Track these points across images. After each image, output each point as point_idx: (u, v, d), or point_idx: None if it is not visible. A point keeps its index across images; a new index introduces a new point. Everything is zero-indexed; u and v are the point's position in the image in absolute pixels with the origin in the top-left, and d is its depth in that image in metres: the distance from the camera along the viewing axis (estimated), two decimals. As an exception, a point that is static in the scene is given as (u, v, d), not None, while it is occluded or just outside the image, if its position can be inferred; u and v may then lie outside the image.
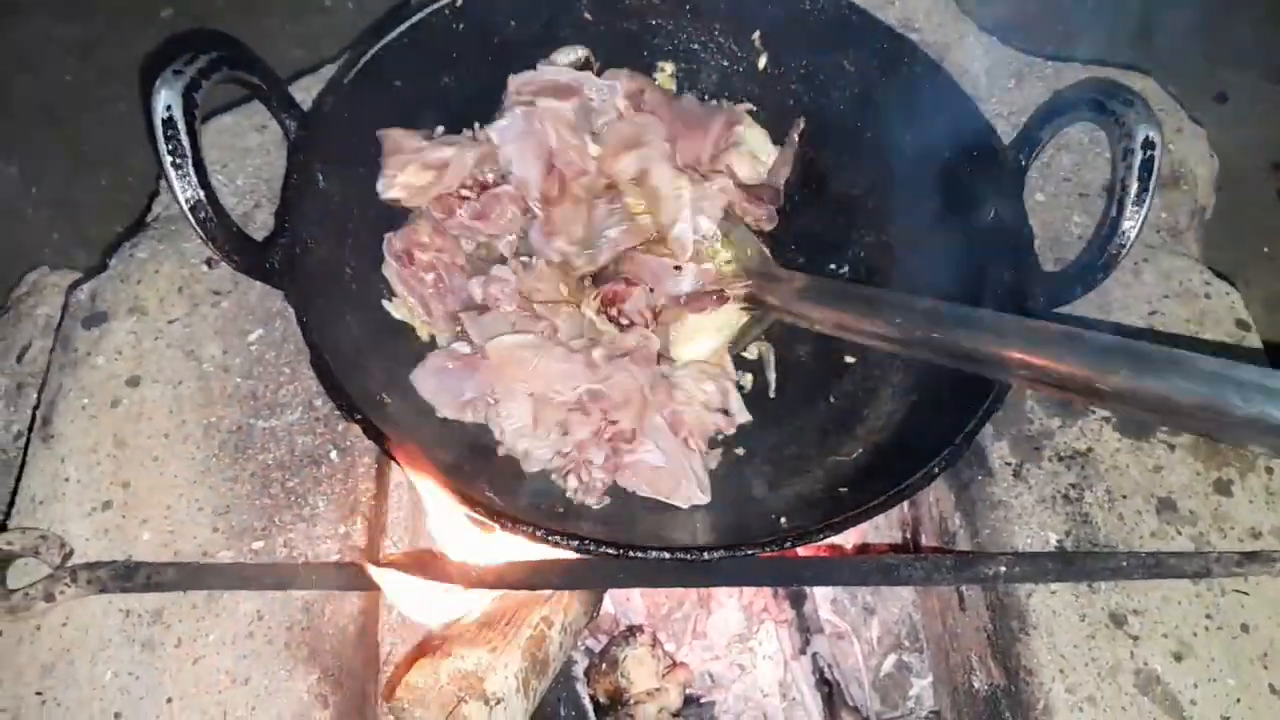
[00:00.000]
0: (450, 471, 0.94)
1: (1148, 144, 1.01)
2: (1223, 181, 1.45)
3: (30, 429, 1.13)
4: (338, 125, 1.12)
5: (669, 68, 1.36)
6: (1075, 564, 1.03)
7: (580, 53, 1.31)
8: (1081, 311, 1.21)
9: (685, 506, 1.07)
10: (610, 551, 0.90)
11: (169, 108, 0.93)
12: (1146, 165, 1.01)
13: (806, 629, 1.31)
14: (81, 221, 1.93)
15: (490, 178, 1.22)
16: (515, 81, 1.26)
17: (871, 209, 1.30)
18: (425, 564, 1.00)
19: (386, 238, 1.17)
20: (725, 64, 1.35)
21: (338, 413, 1.07)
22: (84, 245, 1.86)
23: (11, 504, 1.07)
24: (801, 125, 1.31)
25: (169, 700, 0.96)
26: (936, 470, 0.96)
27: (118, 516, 1.05)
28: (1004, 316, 0.95)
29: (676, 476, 1.07)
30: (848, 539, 1.37)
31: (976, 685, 1.11)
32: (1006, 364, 0.91)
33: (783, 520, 1.04)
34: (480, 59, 1.26)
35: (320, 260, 1.07)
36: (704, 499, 1.08)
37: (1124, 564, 1.03)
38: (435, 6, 1.19)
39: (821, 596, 1.36)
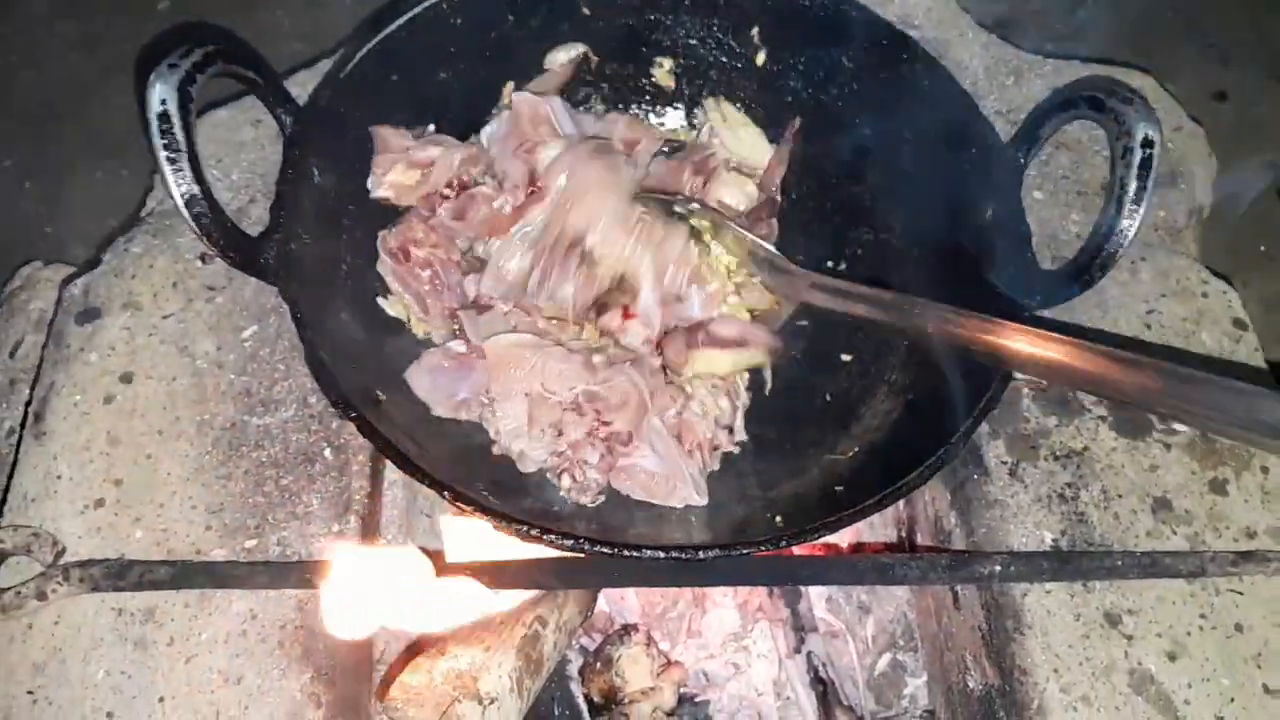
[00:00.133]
0: (444, 470, 0.93)
1: (1147, 142, 1.00)
2: (1220, 180, 1.45)
3: (22, 425, 1.12)
4: (333, 120, 1.12)
5: (667, 63, 1.36)
6: (1070, 563, 1.03)
7: (578, 50, 1.30)
8: (1079, 310, 1.21)
9: (680, 507, 1.07)
10: (605, 551, 0.89)
11: (164, 102, 0.93)
12: (1145, 164, 1.00)
13: (801, 628, 1.31)
14: (76, 216, 1.93)
15: (473, 179, 1.21)
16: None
17: (869, 206, 1.29)
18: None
19: (381, 234, 1.17)
20: (724, 60, 1.34)
21: (332, 410, 1.07)
22: (78, 239, 1.86)
23: (3, 501, 1.06)
24: (797, 124, 1.31)
25: (161, 699, 0.95)
26: (932, 469, 0.95)
27: (110, 514, 1.04)
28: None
29: (672, 480, 1.07)
30: (843, 538, 1.37)
31: (971, 685, 1.11)
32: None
33: (778, 519, 1.05)
34: (478, 54, 1.25)
35: (315, 256, 1.06)
36: (700, 502, 1.08)
37: (1119, 563, 1.03)
38: (432, 1, 1.19)
39: (816, 595, 1.36)
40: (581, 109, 1.34)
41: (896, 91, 1.23)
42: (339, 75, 1.12)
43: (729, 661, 1.33)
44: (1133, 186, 1.01)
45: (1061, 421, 1.16)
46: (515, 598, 1.09)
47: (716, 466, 1.13)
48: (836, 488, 1.07)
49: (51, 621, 0.99)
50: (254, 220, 1.25)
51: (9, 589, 0.97)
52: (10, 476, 1.08)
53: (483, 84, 1.28)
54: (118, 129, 1.94)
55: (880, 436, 1.13)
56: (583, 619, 1.22)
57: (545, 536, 0.89)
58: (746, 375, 1.20)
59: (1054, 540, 1.07)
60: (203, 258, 1.21)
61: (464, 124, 1.26)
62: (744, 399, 1.18)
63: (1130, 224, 1.02)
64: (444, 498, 0.89)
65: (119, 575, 0.98)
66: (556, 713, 1.23)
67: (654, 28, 1.33)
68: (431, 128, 1.24)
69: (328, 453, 1.09)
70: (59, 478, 1.06)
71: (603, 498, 1.09)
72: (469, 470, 1.04)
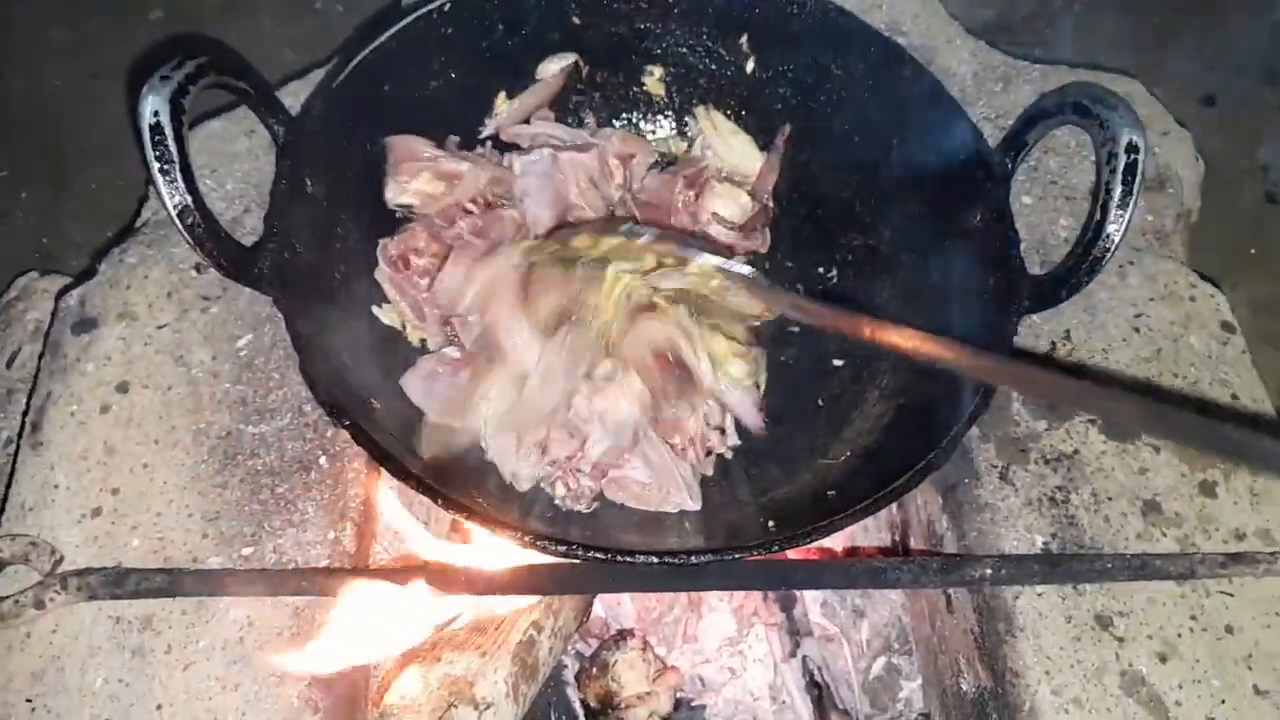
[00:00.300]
0: (438, 477, 0.94)
1: (1131, 148, 1.01)
2: (1209, 184, 1.46)
3: (19, 435, 1.12)
4: (326, 130, 1.12)
5: (657, 71, 1.36)
6: (1061, 566, 1.04)
7: (570, 59, 1.31)
8: (1068, 314, 1.22)
9: (675, 512, 1.08)
10: (599, 556, 0.90)
11: (156, 114, 0.93)
12: (1130, 169, 1.01)
13: (796, 632, 1.31)
14: (71, 226, 1.93)
15: (498, 199, 1.23)
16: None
17: (859, 213, 1.30)
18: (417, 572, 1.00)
19: (381, 243, 1.17)
20: (714, 68, 1.35)
21: (327, 418, 1.07)
22: (73, 250, 1.86)
23: (1, 511, 1.07)
24: (788, 132, 1.32)
25: (159, 706, 0.96)
26: (922, 474, 0.96)
27: (107, 523, 1.05)
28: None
29: (665, 487, 1.07)
30: (836, 542, 1.37)
31: (964, 687, 1.12)
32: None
33: (771, 524, 1.05)
34: (469, 64, 1.26)
35: (309, 265, 1.07)
36: (694, 506, 1.08)
37: (1110, 566, 1.03)
38: (424, 11, 1.19)
39: (811, 600, 1.37)
40: (571, 121, 1.35)
41: (885, 98, 1.24)
42: (331, 85, 1.12)
43: (725, 666, 1.33)
44: (1118, 191, 1.01)
45: (1051, 425, 1.16)
46: (511, 603, 1.09)
47: (710, 472, 1.13)
48: (829, 492, 1.07)
49: (49, 630, 0.99)
50: (248, 230, 1.25)
51: (7, 598, 0.97)
52: (8, 486, 1.08)
53: (475, 93, 1.29)
54: (111, 137, 1.94)
55: (872, 441, 1.14)
56: (578, 624, 1.23)
57: (540, 543, 0.90)
58: (746, 376, 1.20)
59: (1045, 543, 1.08)
60: (197, 268, 1.21)
61: (456, 134, 1.27)
62: (758, 399, 1.19)
63: (1116, 229, 1.03)
64: (438, 505, 0.90)
65: (116, 583, 0.98)
66: (552, 718, 1.23)
67: (644, 36, 1.34)
68: (455, 139, 1.25)
69: (323, 460, 1.10)
70: (56, 487, 1.07)
71: (597, 504, 1.09)
72: (463, 477, 1.05)
